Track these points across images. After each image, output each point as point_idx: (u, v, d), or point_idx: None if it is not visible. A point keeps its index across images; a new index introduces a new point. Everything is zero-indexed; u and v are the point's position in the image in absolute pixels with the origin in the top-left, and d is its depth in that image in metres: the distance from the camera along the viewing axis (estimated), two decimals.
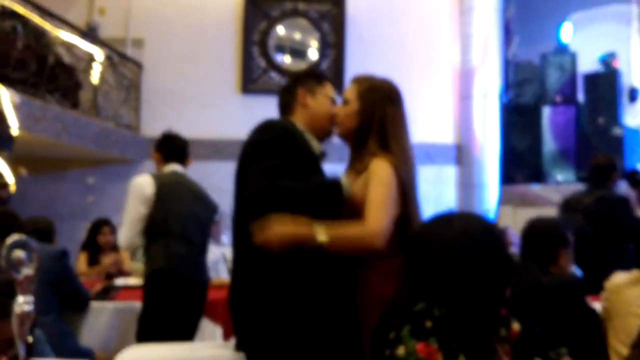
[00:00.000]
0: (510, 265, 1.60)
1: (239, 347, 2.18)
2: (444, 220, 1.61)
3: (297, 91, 2.32)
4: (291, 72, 7.84)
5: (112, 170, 7.50)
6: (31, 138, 5.40)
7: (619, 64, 8.23)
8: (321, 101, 2.33)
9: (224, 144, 7.50)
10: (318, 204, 2.04)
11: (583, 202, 4.31)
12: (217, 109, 7.74)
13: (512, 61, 8.62)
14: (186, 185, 3.62)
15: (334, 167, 2.29)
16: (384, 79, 2.31)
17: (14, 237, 1.56)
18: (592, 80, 8.21)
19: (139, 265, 4.30)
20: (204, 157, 7.37)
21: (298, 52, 8.06)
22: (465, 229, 1.54)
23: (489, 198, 7.81)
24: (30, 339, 1.53)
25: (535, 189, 7.79)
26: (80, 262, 5.01)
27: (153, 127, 6.98)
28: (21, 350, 1.46)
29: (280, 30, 8.02)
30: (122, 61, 7.45)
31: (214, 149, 7.57)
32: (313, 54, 8.04)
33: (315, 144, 2.26)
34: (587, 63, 8.34)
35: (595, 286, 2.95)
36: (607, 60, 8.17)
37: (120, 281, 4.38)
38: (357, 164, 2.24)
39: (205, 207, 3.66)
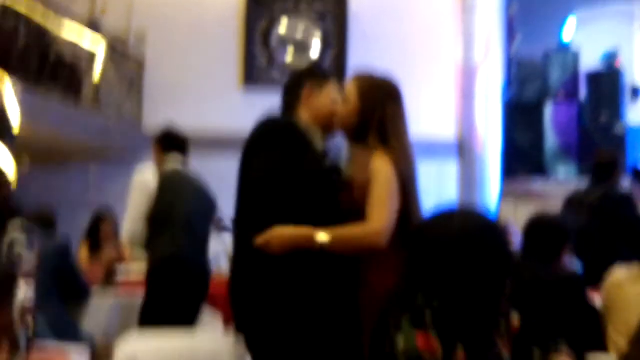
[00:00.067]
0: (510, 260, 1.60)
1: (237, 330, 2.20)
2: (445, 216, 1.62)
3: (303, 88, 2.33)
4: (293, 68, 7.84)
5: (114, 163, 7.50)
6: (33, 132, 5.40)
7: (622, 63, 8.22)
8: (326, 98, 2.33)
9: (226, 139, 7.48)
10: (320, 186, 2.06)
11: (587, 199, 4.29)
12: (218, 104, 7.74)
13: (514, 59, 8.60)
14: (188, 179, 3.64)
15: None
16: (384, 77, 2.31)
17: (16, 223, 1.57)
18: (594, 78, 8.20)
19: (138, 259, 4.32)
20: (205, 152, 7.33)
21: (300, 48, 8.05)
22: (465, 225, 1.55)
23: (491, 194, 7.81)
24: (30, 325, 1.54)
25: (537, 184, 7.80)
26: (81, 253, 5.02)
27: (155, 120, 6.95)
28: (22, 336, 1.47)
29: (283, 26, 8.01)
30: (124, 55, 7.44)
31: (216, 144, 7.55)
32: (315, 50, 8.03)
33: (318, 140, 2.27)
34: (590, 61, 8.32)
35: (599, 281, 2.95)
36: (610, 59, 8.16)
37: (122, 268, 4.38)
38: (357, 158, 2.25)
39: (207, 200, 3.68)
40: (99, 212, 5.27)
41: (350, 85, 2.29)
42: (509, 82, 8.33)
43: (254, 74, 7.90)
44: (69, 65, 6.21)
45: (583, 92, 8.33)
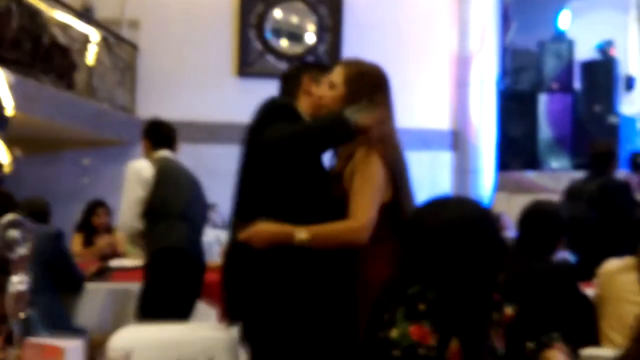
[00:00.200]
0: (503, 249, 1.61)
1: (232, 320, 2.22)
2: (438, 204, 1.62)
3: (302, 79, 2.32)
4: (288, 55, 7.83)
5: (107, 151, 7.47)
6: (26, 119, 5.37)
7: (616, 52, 8.23)
8: (324, 90, 2.32)
9: (220, 127, 7.47)
10: (333, 138, 2.08)
11: (586, 189, 4.31)
12: (213, 92, 7.71)
13: (509, 48, 8.61)
14: (181, 169, 3.65)
15: None
16: (372, 65, 2.28)
17: (9, 217, 1.56)
18: (589, 68, 8.21)
19: (134, 249, 4.31)
20: (199, 140, 7.35)
21: (295, 36, 8.02)
22: (458, 213, 1.55)
23: (484, 184, 7.83)
24: (23, 316, 1.54)
25: (531, 175, 7.82)
26: (74, 243, 5.01)
27: (148, 109, 6.92)
28: (15, 329, 1.47)
29: (277, 13, 7.96)
30: (118, 42, 7.39)
31: (210, 132, 7.55)
32: (310, 37, 8.00)
33: None
34: (584, 51, 8.33)
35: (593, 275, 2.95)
36: (604, 48, 8.17)
37: (115, 262, 4.38)
38: (343, 148, 2.24)
39: (200, 190, 3.69)
40: (92, 203, 5.25)
41: (337, 71, 2.24)
42: (503, 72, 8.33)
43: (248, 62, 7.87)
44: (62, 51, 6.17)
45: (577, 82, 8.34)
